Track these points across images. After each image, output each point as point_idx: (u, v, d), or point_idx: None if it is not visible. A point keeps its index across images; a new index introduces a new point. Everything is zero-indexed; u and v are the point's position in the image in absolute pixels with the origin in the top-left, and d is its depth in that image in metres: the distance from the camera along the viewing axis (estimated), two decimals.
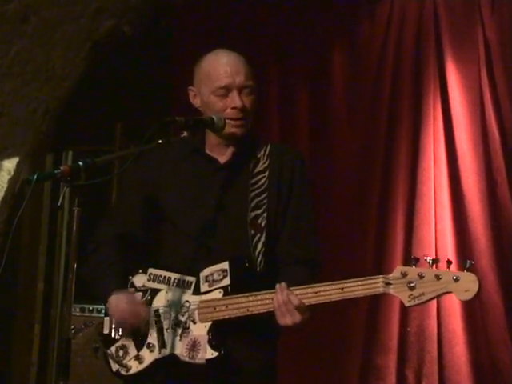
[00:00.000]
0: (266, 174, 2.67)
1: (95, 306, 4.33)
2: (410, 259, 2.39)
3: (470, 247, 4.30)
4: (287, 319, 2.42)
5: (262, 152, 2.71)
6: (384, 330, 4.47)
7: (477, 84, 4.45)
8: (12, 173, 4.75)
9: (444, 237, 4.41)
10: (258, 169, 2.67)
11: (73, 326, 4.20)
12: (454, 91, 4.48)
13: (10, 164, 4.75)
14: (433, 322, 4.35)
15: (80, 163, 2.30)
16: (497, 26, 4.45)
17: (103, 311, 4.11)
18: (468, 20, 4.52)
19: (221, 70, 2.64)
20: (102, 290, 2.68)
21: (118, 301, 2.60)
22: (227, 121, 2.62)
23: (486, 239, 4.34)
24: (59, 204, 2.42)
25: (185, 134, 2.54)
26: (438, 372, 4.34)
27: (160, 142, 2.47)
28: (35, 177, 2.26)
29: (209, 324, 2.50)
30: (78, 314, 4.33)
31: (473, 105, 4.46)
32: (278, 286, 2.44)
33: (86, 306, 4.35)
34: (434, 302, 4.32)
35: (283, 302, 2.41)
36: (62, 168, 2.29)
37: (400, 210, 4.54)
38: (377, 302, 4.48)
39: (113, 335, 2.67)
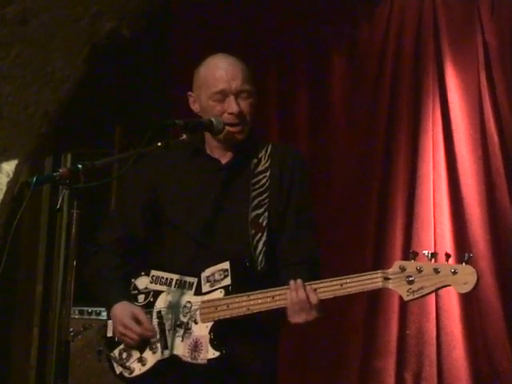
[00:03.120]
0: (268, 173, 2.67)
1: (94, 309, 4.32)
2: (408, 254, 2.39)
3: (468, 250, 4.28)
4: (301, 317, 2.43)
5: (263, 152, 2.72)
6: (383, 333, 4.46)
7: (476, 87, 4.46)
8: (11, 175, 4.75)
9: (443, 240, 4.41)
10: (259, 169, 2.68)
11: (71, 329, 4.20)
12: (453, 94, 4.49)
13: (9, 166, 4.75)
14: (432, 325, 4.35)
15: (79, 166, 2.30)
16: (496, 30, 4.45)
17: (102, 314, 4.16)
18: (467, 23, 4.52)
19: (217, 74, 2.64)
20: (104, 296, 2.68)
21: (121, 315, 2.60)
22: (225, 126, 2.63)
23: (485, 242, 4.35)
24: (58, 207, 2.41)
25: (184, 136, 2.54)
26: (436, 375, 4.33)
27: (159, 144, 2.48)
28: (34, 179, 2.26)
29: (210, 324, 2.51)
30: (76, 317, 4.32)
31: (472, 108, 4.47)
32: (292, 282, 2.44)
33: (85, 308, 4.34)
34: (433, 305, 4.33)
35: (300, 299, 2.41)
36: (61, 170, 2.29)
37: (399, 214, 4.53)
38: (375, 304, 4.48)
39: (116, 338, 2.67)
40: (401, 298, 2.38)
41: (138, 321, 2.58)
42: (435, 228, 4.44)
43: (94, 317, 4.34)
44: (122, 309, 2.60)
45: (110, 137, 4.94)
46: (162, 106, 4.99)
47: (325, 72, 4.86)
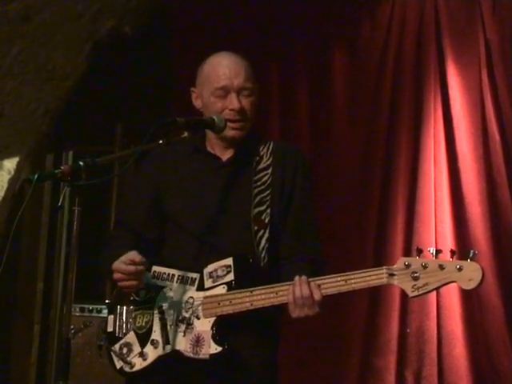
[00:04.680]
0: (269, 171, 2.68)
1: (95, 306, 4.33)
2: (412, 250, 2.39)
3: (469, 248, 4.28)
4: (303, 312, 2.43)
5: (265, 150, 2.73)
6: (383, 332, 4.47)
7: (477, 85, 4.46)
8: (12, 172, 4.76)
9: (444, 239, 4.41)
10: (261, 166, 2.69)
11: (72, 326, 4.20)
12: (454, 92, 4.49)
13: (11, 164, 4.76)
14: (432, 324, 4.36)
15: (80, 163, 2.29)
16: (497, 28, 4.45)
17: (103, 311, 4.16)
18: (469, 21, 4.52)
19: (220, 71, 2.66)
20: (110, 261, 2.60)
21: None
22: (227, 123, 2.64)
23: (486, 241, 4.35)
24: (59, 204, 2.41)
25: (185, 134, 2.54)
26: (437, 373, 4.34)
27: (160, 142, 2.48)
28: (36, 177, 2.26)
29: (213, 319, 2.51)
30: (77, 314, 4.32)
31: (473, 106, 4.47)
32: (297, 278, 2.44)
33: (86, 306, 4.34)
34: (434, 303, 4.33)
35: (304, 295, 2.41)
36: (62, 168, 2.28)
37: (400, 211, 4.54)
38: (376, 303, 4.48)
39: (117, 333, 2.67)
40: (404, 295, 2.38)
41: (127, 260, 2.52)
42: (436, 226, 4.44)
43: (94, 314, 4.34)
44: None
45: (111, 134, 4.93)
46: (163, 103, 4.99)
47: (326, 70, 4.86)
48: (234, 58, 2.71)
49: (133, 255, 2.52)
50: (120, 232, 2.78)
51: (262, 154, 2.72)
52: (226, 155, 2.72)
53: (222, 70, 2.65)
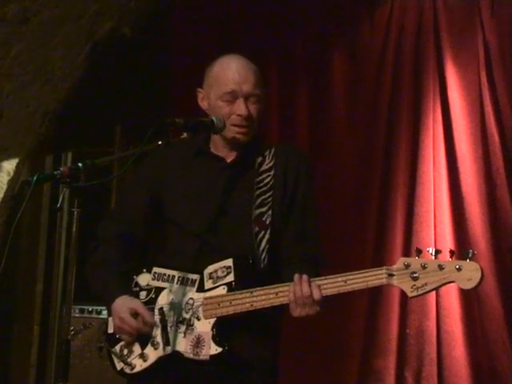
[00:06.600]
0: (272, 172, 2.69)
1: (94, 307, 4.32)
2: (411, 251, 2.40)
3: (468, 249, 4.27)
4: (304, 311, 2.44)
5: (268, 152, 2.75)
6: (383, 332, 4.47)
7: (476, 86, 4.46)
8: (11, 174, 4.75)
9: (443, 239, 4.41)
10: (264, 168, 2.70)
11: (72, 328, 4.20)
12: (453, 93, 4.49)
13: (10, 165, 4.75)
14: (432, 324, 4.36)
15: (79, 164, 2.31)
16: (496, 29, 4.45)
17: (103, 312, 4.16)
18: (468, 22, 4.53)
19: (229, 75, 2.65)
20: (104, 290, 2.67)
21: (120, 308, 2.60)
22: (232, 127, 2.65)
23: (486, 241, 4.35)
24: (59, 205, 2.42)
25: (184, 135, 2.54)
26: (437, 374, 4.34)
27: (160, 143, 2.48)
28: (35, 178, 2.27)
29: (213, 320, 2.52)
30: (77, 316, 4.32)
31: (472, 107, 4.47)
32: (297, 276, 2.45)
33: (86, 307, 4.34)
34: (433, 303, 4.33)
35: (304, 294, 2.42)
36: (61, 169, 2.30)
37: (399, 213, 4.54)
38: (376, 303, 4.49)
39: (117, 335, 2.67)
40: (403, 295, 2.39)
41: (135, 315, 2.57)
42: (435, 227, 4.44)
43: (94, 315, 4.34)
44: (121, 303, 2.60)
45: (111, 136, 4.93)
46: (163, 104, 4.99)
47: (326, 70, 4.86)
48: (244, 62, 2.70)
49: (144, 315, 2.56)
50: (110, 235, 2.77)
51: (264, 155, 2.73)
52: (229, 157, 2.73)
53: (232, 74, 2.65)
